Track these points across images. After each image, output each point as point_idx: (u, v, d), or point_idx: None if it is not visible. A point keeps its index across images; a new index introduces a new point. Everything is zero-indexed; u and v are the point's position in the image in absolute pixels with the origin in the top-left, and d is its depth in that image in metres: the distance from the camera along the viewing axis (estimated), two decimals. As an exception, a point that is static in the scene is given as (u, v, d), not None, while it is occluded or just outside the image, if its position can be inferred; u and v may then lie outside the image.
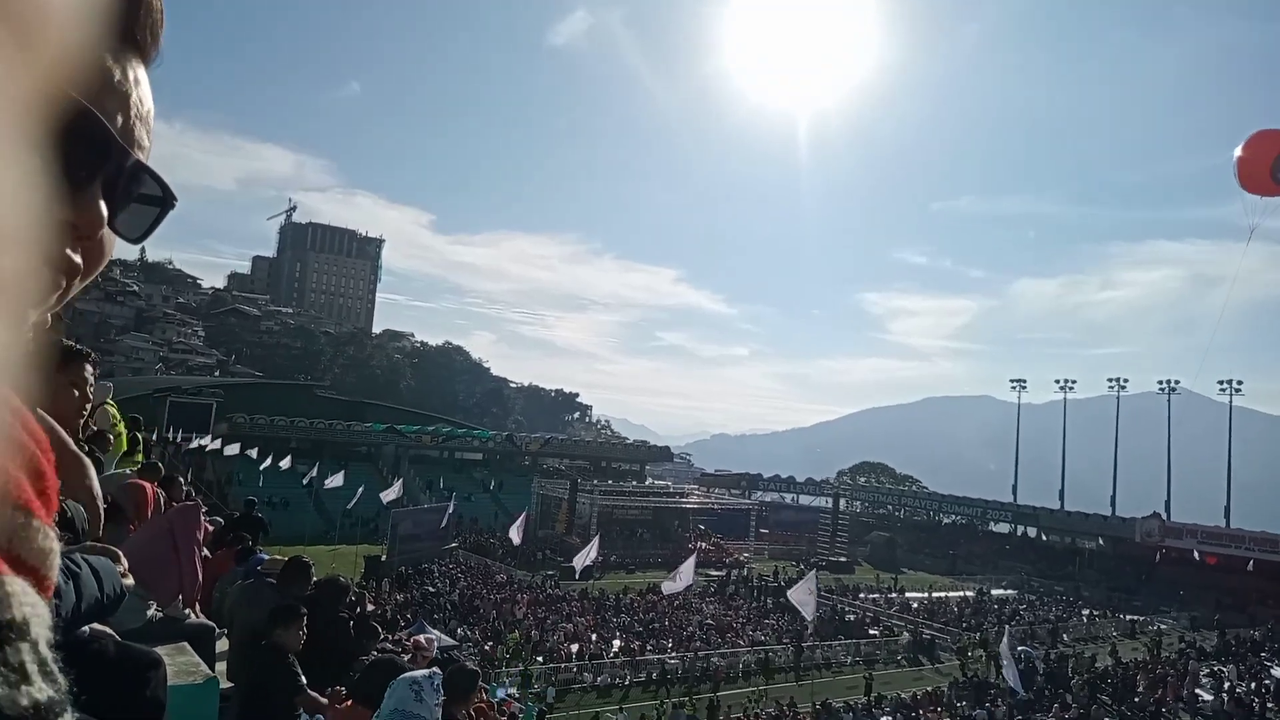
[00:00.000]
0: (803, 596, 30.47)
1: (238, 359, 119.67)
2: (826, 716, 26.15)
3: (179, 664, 4.47)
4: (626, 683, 29.65)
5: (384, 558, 42.80)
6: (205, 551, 7.37)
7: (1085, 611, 50.33)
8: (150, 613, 4.99)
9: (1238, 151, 17.25)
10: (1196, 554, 59.95)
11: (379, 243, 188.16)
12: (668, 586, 31.96)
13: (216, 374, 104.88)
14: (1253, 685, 34.54)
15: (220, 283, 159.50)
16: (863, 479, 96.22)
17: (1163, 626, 47.48)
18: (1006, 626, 39.18)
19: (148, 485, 5.18)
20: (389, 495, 44.68)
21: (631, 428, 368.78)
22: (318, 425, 70.34)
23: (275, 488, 54.44)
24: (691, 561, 36.30)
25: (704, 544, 61.32)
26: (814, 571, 38.63)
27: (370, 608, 10.30)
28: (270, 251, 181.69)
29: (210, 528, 8.25)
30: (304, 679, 4.80)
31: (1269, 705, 31.96)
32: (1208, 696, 32.69)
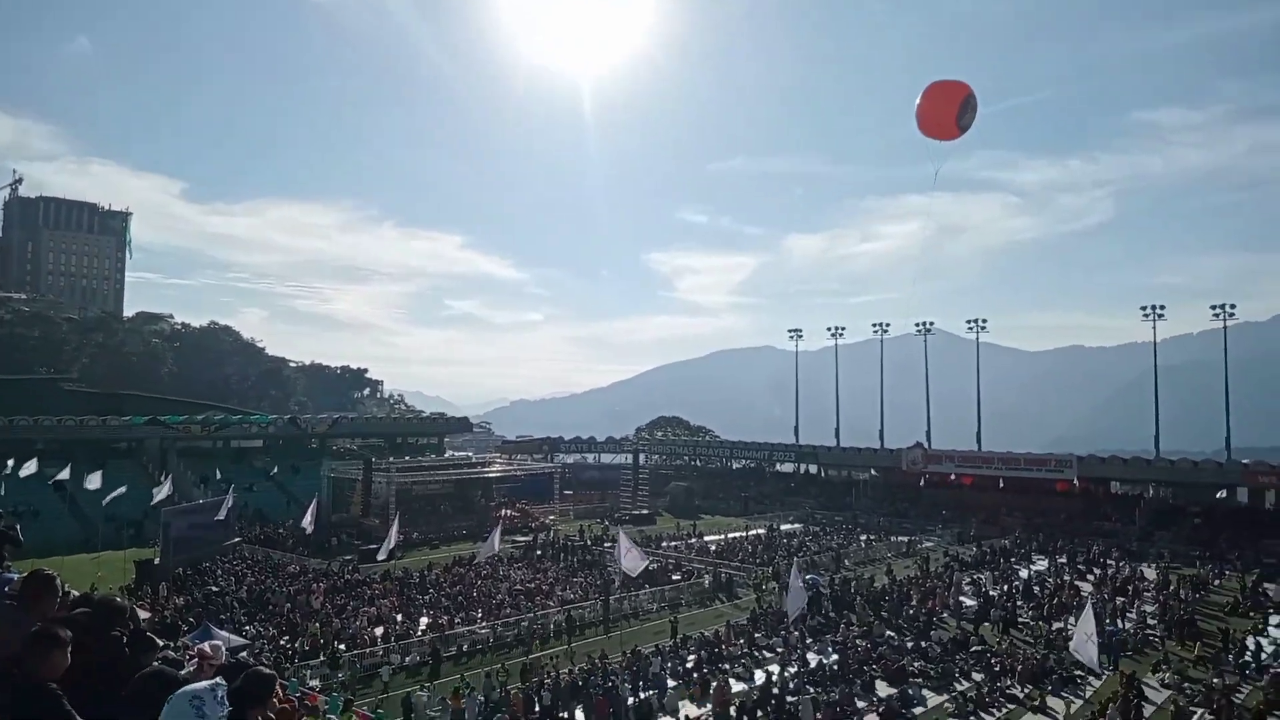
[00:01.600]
0: (633, 562, 31.27)
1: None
2: (636, 662, 27.04)
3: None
4: (438, 658, 29.12)
5: (157, 561, 39.26)
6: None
7: (863, 537, 55.15)
8: None
9: (919, 101, 18.91)
10: (954, 476, 67.21)
11: (124, 216, 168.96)
12: (483, 552, 31.53)
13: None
14: (1004, 588, 39.47)
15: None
16: (660, 433, 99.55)
17: (929, 544, 52.96)
18: (794, 558, 42.19)
19: None
20: (159, 494, 40.83)
21: (427, 401, 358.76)
22: (66, 422, 62.96)
23: (21, 495, 48.38)
24: (497, 532, 36.14)
25: (509, 511, 61.12)
26: (621, 529, 39.68)
27: (145, 616, 9.31)
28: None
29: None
30: (69, 710, 4.23)
31: (1019, 603, 36.69)
32: (970, 601, 37.00)
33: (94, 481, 42.38)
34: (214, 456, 69.61)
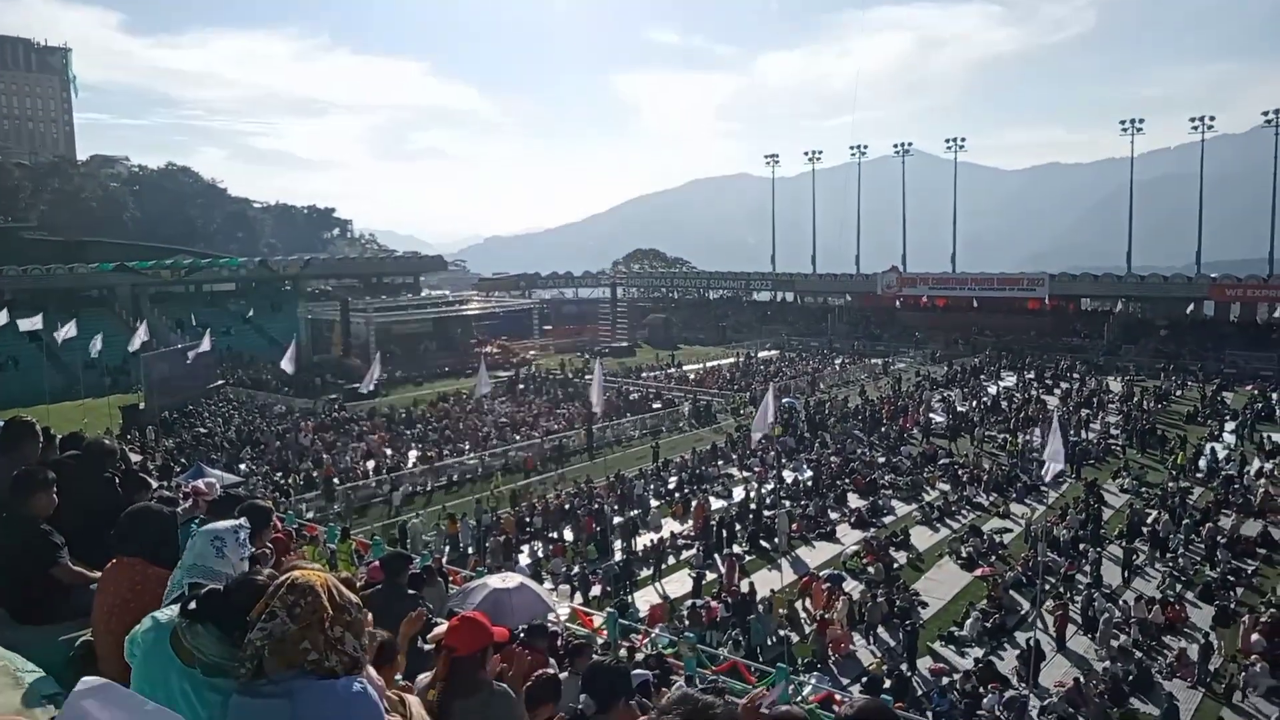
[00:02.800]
0: (594, 393, 31.93)
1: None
2: (620, 485, 28.24)
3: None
4: (428, 489, 30.22)
5: (142, 405, 39.67)
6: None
7: (838, 361, 56.46)
8: None
9: None
10: (927, 299, 68.13)
11: (64, 52, 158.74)
12: (479, 389, 32.04)
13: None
14: (973, 403, 40.92)
15: None
16: (637, 266, 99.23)
17: (902, 366, 54.37)
18: (770, 383, 43.31)
19: None
20: (136, 340, 40.64)
21: (399, 240, 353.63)
22: (33, 271, 61.69)
23: (-2, 347, 48.13)
24: (483, 368, 36.55)
25: (490, 348, 61.73)
26: (598, 361, 40.28)
27: (137, 459, 9.50)
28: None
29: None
30: (63, 546, 4.34)
31: (987, 417, 38.19)
32: (939, 418, 38.43)
33: (69, 330, 41.98)
34: (187, 300, 68.93)
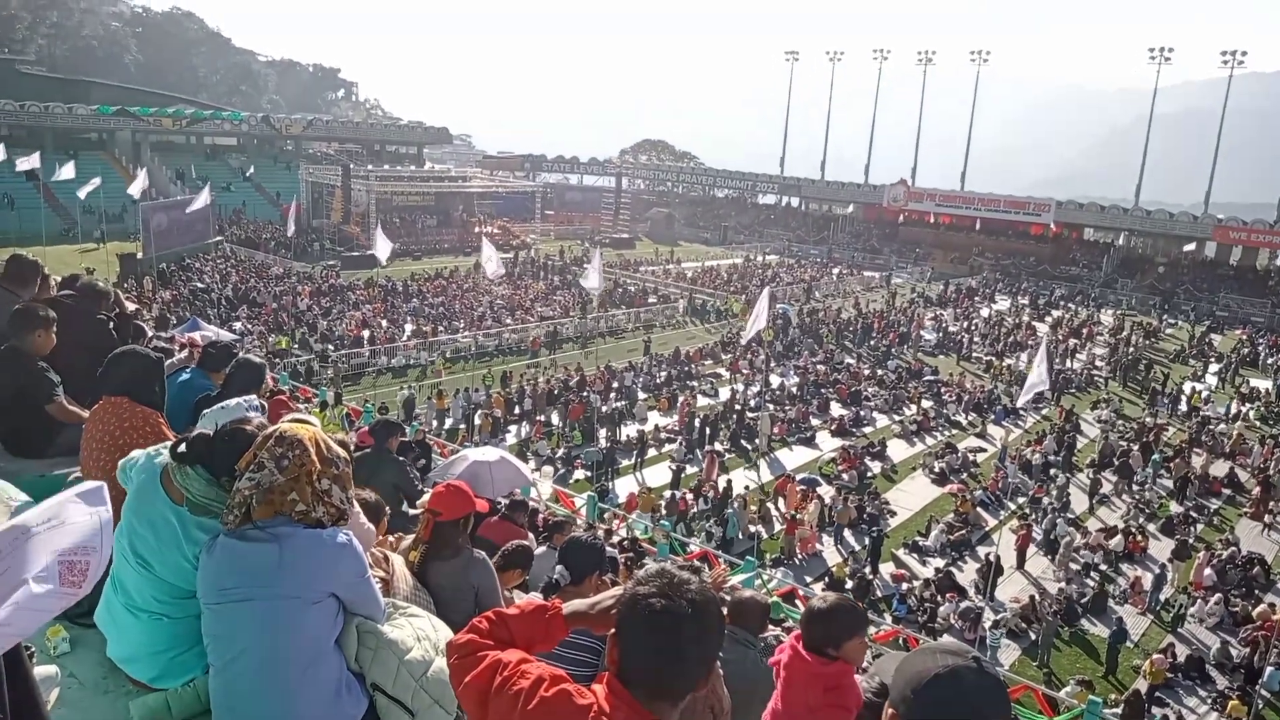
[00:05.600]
0: (591, 277, 31.82)
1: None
2: (609, 375, 28.61)
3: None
4: (421, 363, 30.54)
5: (140, 255, 39.46)
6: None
7: (835, 271, 56.26)
8: None
9: None
10: (933, 216, 67.34)
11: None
12: (489, 269, 31.87)
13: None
14: (964, 324, 41.14)
15: None
16: (644, 157, 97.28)
17: (899, 281, 54.25)
18: (766, 287, 43.27)
19: None
20: (135, 187, 40.03)
21: (405, 108, 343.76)
22: (30, 108, 60.03)
23: (-7, 183, 47.43)
24: (491, 247, 36.11)
25: (490, 229, 61.10)
26: (599, 250, 40.04)
27: (132, 308, 9.56)
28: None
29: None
30: (58, 384, 4.47)
31: (975, 339, 38.44)
32: (930, 336, 38.68)
33: (67, 172, 41.25)
34: (187, 152, 67.64)
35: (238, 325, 30.19)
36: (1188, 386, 32.25)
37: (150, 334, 7.67)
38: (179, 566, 2.48)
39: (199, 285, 36.62)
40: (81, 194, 40.40)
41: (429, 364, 30.16)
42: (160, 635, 2.52)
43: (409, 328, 33.62)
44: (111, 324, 5.70)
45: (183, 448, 2.56)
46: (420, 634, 2.52)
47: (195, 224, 43.95)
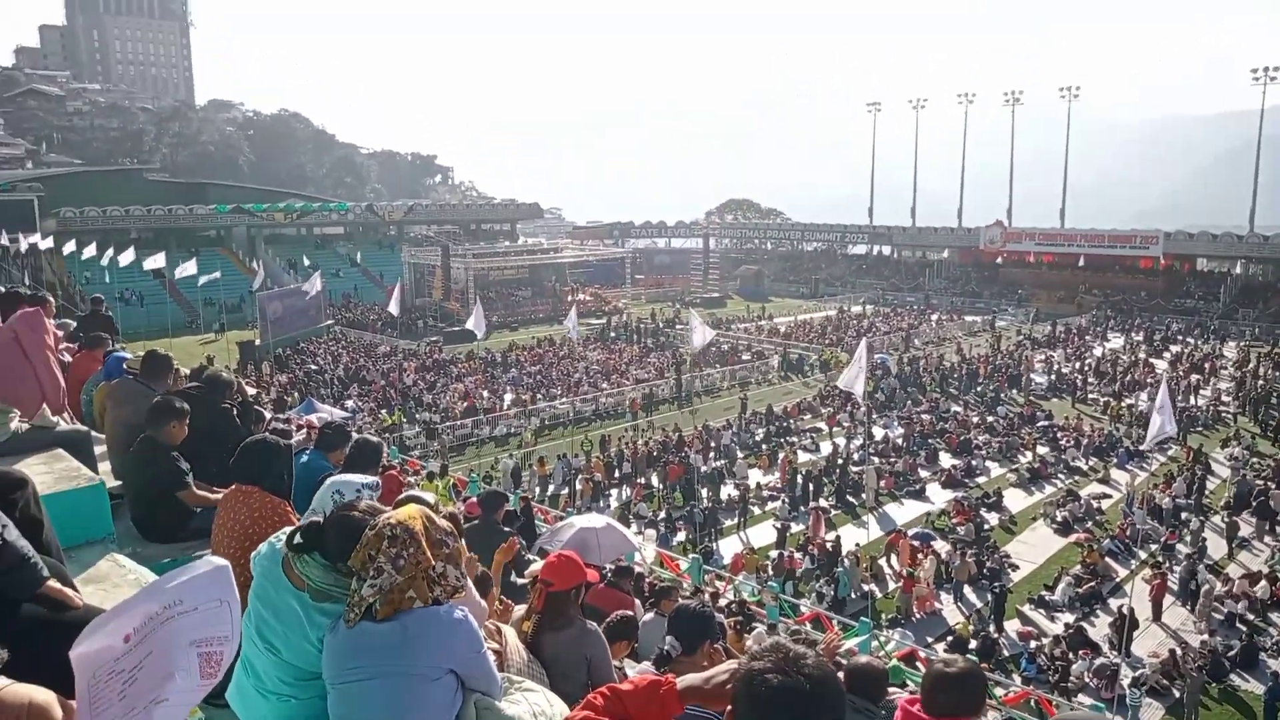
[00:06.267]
0: (696, 335, 32.16)
1: (49, 147, 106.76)
2: (706, 435, 28.44)
3: (58, 470, 4.34)
4: (523, 431, 31.06)
5: (257, 342, 41.77)
6: (66, 356, 6.94)
7: (934, 317, 54.90)
8: (14, 425, 4.75)
9: None
10: (1033, 256, 65.27)
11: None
12: (571, 334, 32.74)
13: (29, 166, 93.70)
14: (1077, 365, 39.34)
15: (4, 59, 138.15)
16: (730, 216, 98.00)
17: (1003, 324, 52.51)
18: (864, 338, 42.48)
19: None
20: (256, 281, 42.78)
21: (497, 187, 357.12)
22: (156, 212, 65.12)
23: (125, 282, 51.21)
24: (573, 312, 36.99)
25: (582, 295, 62.32)
26: (694, 310, 40.32)
27: (252, 392, 10.11)
28: (57, 18, 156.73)
29: (60, 332, 7.71)
30: (189, 473, 4.74)
31: (1089, 380, 36.69)
32: (1040, 379, 37.11)
33: (189, 268, 44.44)
34: (298, 243, 71.75)
35: (350, 403, 31.41)
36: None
37: (269, 417, 8.10)
38: (304, 651, 2.56)
39: (313, 367, 38.38)
40: (201, 284, 43.31)
41: (522, 433, 30.67)
42: (288, 716, 2.59)
43: (508, 397, 34.33)
44: (235, 411, 6.06)
45: (298, 538, 2.65)
46: (536, 710, 2.52)
47: (308, 310, 46.39)
